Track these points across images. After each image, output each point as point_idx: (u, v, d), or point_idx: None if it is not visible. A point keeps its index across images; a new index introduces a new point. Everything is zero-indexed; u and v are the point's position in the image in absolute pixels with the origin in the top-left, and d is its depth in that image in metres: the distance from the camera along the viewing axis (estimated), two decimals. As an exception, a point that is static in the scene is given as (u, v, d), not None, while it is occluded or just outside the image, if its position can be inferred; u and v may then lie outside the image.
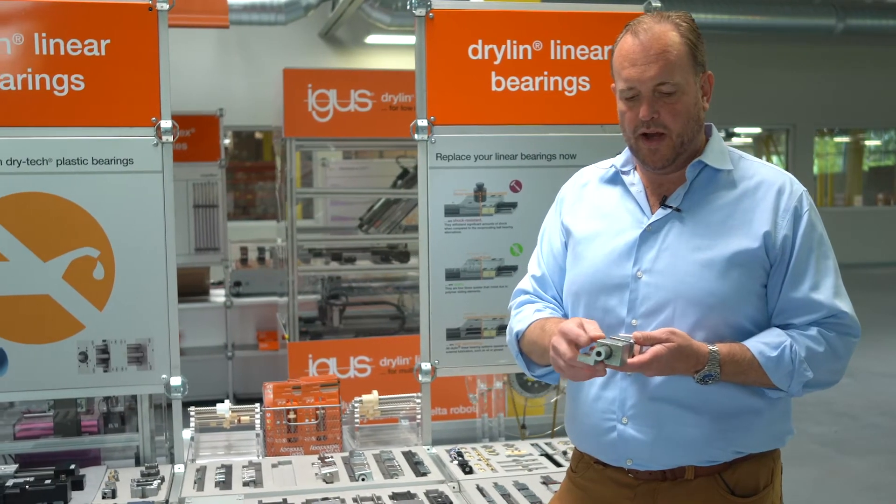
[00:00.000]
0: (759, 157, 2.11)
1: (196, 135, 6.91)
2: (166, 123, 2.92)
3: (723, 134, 2.11)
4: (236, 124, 11.59)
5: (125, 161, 2.90)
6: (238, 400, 6.43)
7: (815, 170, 17.02)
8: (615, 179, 2.09)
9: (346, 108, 5.32)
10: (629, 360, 1.81)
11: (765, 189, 1.95)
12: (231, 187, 12.37)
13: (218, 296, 7.30)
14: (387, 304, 6.15)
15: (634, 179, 2.05)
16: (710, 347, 1.85)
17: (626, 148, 2.08)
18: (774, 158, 16.69)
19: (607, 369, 1.86)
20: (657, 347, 1.80)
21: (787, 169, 1.98)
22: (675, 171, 1.99)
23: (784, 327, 1.94)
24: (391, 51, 12.45)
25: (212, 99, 9.42)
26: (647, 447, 1.94)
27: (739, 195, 1.95)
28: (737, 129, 16.87)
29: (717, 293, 1.88)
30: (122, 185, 2.91)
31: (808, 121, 16.18)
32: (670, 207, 1.96)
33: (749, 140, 17.35)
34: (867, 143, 18.13)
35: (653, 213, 1.98)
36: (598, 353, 1.80)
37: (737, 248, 1.90)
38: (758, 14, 12.57)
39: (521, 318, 2.15)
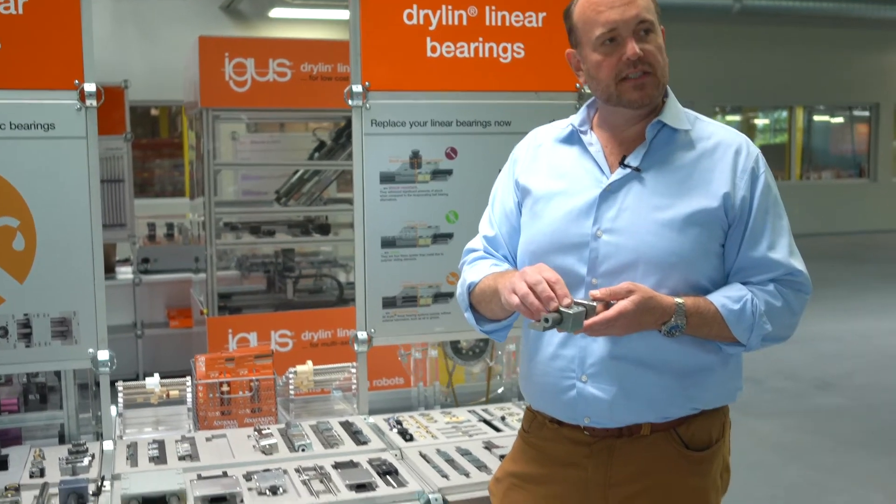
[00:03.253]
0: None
1: (100, 107, 6.62)
2: (90, 87, 2.80)
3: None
4: (133, 99, 11.18)
5: (46, 126, 2.77)
6: (148, 379, 6.24)
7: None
8: (572, 139, 2.07)
9: (264, 78, 5.18)
10: (593, 319, 1.80)
11: (722, 150, 1.98)
12: (127, 165, 11.91)
13: (125, 273, 7.06)
14: (326, 277, 6.11)
15: (592, 139, 2.04)
16: (676, 300, 1.88)
17: (584, 107, 2.08)
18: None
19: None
20: (623, 303, 1.80)
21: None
22: (636, 124, 2.00)
23: (742, 284, 1.97)
24: (296, 25, 12.20)
25: (108, 73, 9.02)
26: (607, 405, 1.95)
27: (698, 155, 1.97)
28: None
29: (679, 252, 1.90)
30: (43, 151, 2.77)
31: (707, 100, 16.60)
32: (629, 167, 1.96)
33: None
34: (756, 121, 18.75)
35: (612, 173, 1.98)
36: (546, 321, 1.79)
37: (696, 207, 1.92)
38: (656, -8, 12.80)
39: (476, 270, 2.12)
